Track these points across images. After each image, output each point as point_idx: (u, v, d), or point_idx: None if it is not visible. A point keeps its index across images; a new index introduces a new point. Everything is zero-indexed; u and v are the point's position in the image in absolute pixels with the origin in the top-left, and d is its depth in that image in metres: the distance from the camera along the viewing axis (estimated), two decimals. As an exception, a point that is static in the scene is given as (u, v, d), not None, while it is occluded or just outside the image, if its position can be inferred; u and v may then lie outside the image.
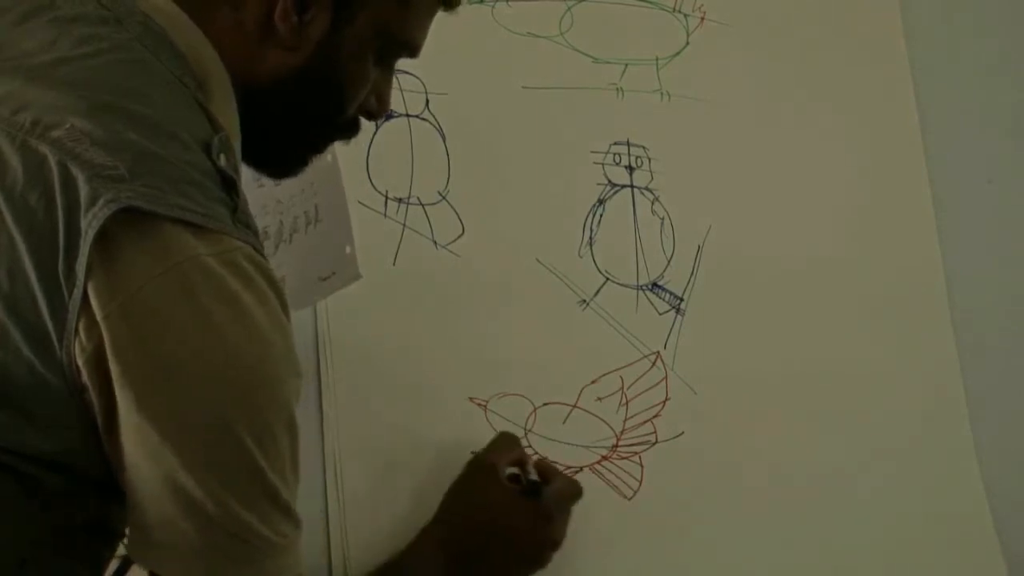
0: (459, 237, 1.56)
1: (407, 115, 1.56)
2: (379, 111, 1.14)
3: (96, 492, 0.92)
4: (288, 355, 0.93)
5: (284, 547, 0.93)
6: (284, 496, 0.93)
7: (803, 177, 1.74)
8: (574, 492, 1.41)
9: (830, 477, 1.66)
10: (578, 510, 1.47)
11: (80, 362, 0.85)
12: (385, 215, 1.54)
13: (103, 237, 0.84)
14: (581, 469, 1.56)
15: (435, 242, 1.55)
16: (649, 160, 1.67)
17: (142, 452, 0.87)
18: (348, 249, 1.36)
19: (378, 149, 1.54)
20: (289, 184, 1.29)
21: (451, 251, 1.56)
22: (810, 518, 1.64)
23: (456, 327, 1.54)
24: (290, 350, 0.93)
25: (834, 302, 1.71)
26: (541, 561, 1.36)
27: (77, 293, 0.84)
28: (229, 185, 0.92)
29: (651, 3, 1.71)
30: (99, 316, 0.85)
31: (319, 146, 1.13)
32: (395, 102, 1.55)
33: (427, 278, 1.54)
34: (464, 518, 1.35)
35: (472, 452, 1.48)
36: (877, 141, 1.78)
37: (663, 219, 1.66)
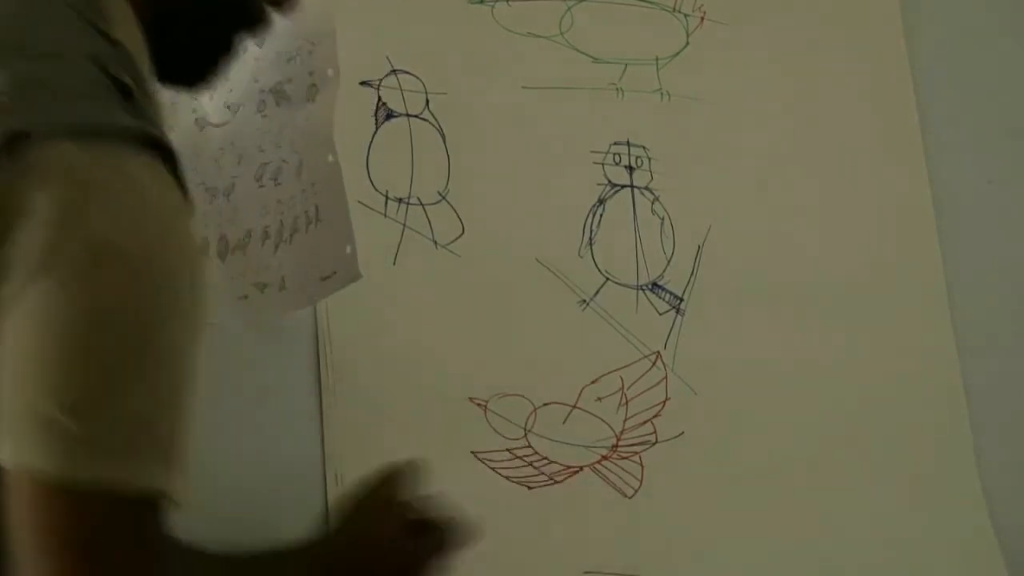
0: (459, 237, 1.56)
1: (407, 115, 1.57)
2: None
3: None
4: (189, 268, 0.89)
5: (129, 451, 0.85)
6: (155, 413, 0.86)
7: (803, 177, 1.74)
8: (455, 545, 1.28)
9: (829, 477, 1.66)
10: (578, 510, 1.48)
11: None
12: (385, 215, 1.54)
13: None
14: (581, 469, 1.56)
15: (435, 242, 1.56)
16: (649, 160, 1.67)
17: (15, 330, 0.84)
18: (348, 249, 1.36)
19: (378, 149, 1.55)
20: (289, 184, 1.30)
21: (451, 251, 1.56)
22: (809, 518, 1.64)
23: (456, 327, 1.54)
24: (192, 260, 0.89)
25: (834, 302, 1.71)
26: None
27: None
28: (127, 93, 0.90)
29: (651, 3, 1.71)
30: None
31: (230, 45, 1.10)
32: (395, 102, 1.56)
33: (427, 278, 1.54)
34: (350, 541, 1.24)
35: (472, 451, 1.48)
36: (877, 141, 1.78)
37: (663, 219, 1.66)
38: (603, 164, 1.65)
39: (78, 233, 0.84)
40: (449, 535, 1.25)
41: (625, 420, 1.59)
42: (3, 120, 0.85)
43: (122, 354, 0.84)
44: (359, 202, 1.50)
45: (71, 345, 0.83)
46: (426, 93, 1.58)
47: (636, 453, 1.58)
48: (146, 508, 0.85)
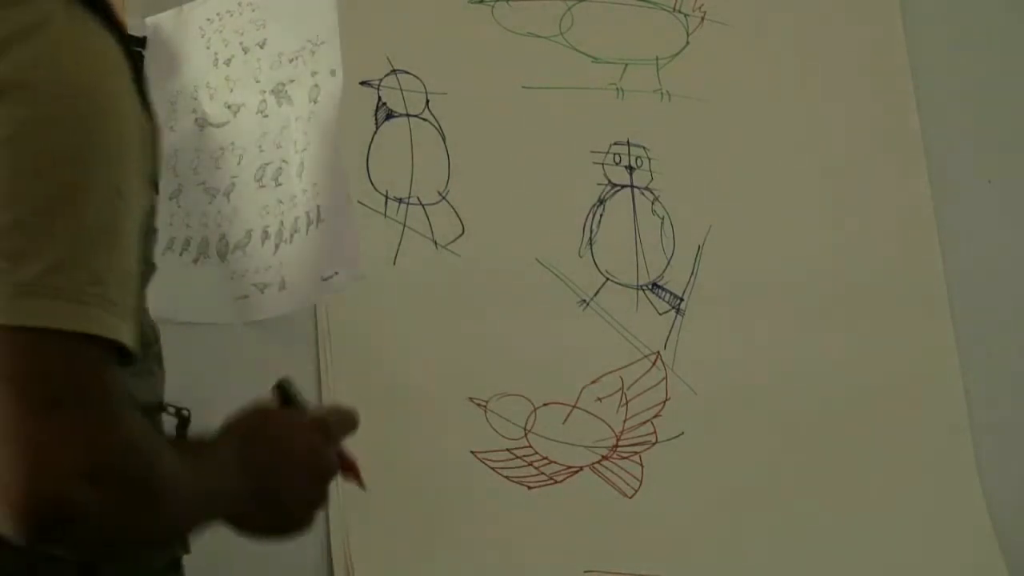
0: (459, 237, 1.56)
1: (407, 115, 1.57)
2: None
3: None
4: (122, 109, 0.87)
5: (75, 296, 0.82)
6: (85, 240, 0.83)
7: (803, 177, 1.74)
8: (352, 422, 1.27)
9: (829, 477, 1.66)
10: (578, 510, 1.48)
11: None
12: (385, 215, 1.54)
13: None
14: (581, 469, 1.56)
15: (435, 242, 1.55)
16: (649, 160, 1.67)
17: None
18: (349, 249, 1.36)
19: (378, 149, 1.55)
20: (290, 184, 1.30)
21: (451, 251, 1.56)
22: (808, 518, 1.64)
23: (456, 327, 1.54)
24: (123, 98, 0.87)
25: (833, 302, 1.71)
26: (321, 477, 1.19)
27: None
28: None
29: (651, 3, 1.71)
30: None
31: None
32: (395, 102, 1.56)
33: (427, 278, 1.54)
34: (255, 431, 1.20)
35: (471, 451, 1.48)
36: (877, 141, 1.78)
37: (663, 219, 1.66)
38: (603, 164, 1.65)
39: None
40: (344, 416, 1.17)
41: (625, 420, 1.59)
42: None
43: (56, 188, 0.82)
44: (359, 202, 1.50)
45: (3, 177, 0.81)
46: (426, 93, 1.58)
47: (636, 453, 1.58)
48: (95, 350, 0.82)
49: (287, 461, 1.04)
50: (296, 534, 1.05)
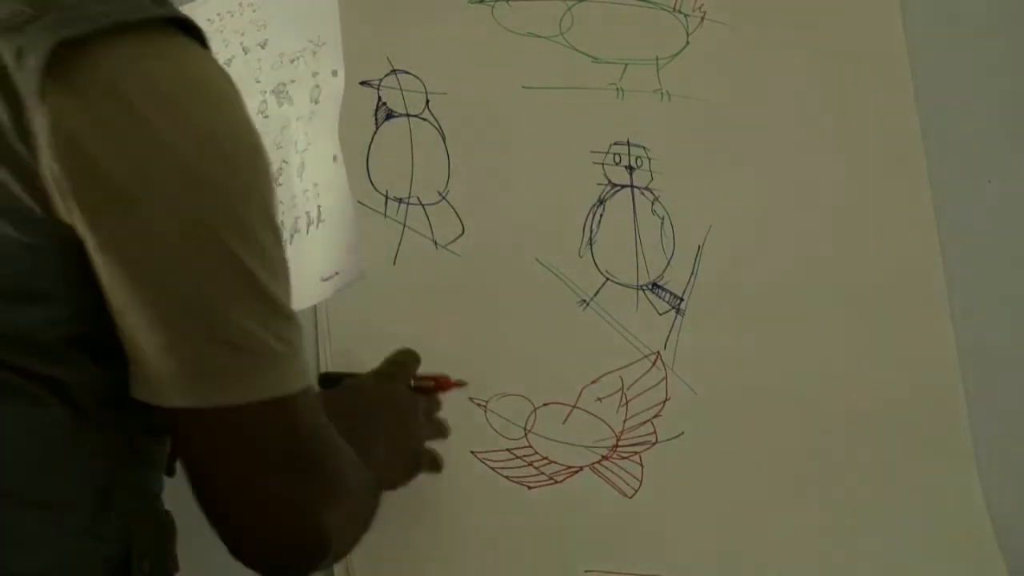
0: (459, 237, 1.56)
1: (407, 115, 1.56)
2: None
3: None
4: (259, 143, 0.89)
5: (289, 354, 0.89)
6: (280, 297, 0.88)
7: (803, 177, 1.74)
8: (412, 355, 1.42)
9: (829, 476, 1.66)
10: (578, 510, 1.48)
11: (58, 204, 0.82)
12: (385, 215, 1.54)
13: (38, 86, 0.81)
14: (581, 469, 1.56)
15: (435, 242, 1.55)
16: (649, 160, 1.67)
17: (119, 279, 0.83)
18: (350, 250, 1.36)
19: (378, 149, 1.54)
20: (291, 185, 1.29)
21: (451, 251, 1.56)
22: (809, 517, 1.64)
23: (456, 327, 1.54)
24: (258, 136, 0.89)
25: (834, 302, 1.71)
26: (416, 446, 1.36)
27: (38, 139, 0.81)
28: None
29: (651, 3, 1.71)
30: (52, 154, 0.81)
31: None
32: (395, 102, 1.56)
33: (427, 278, 1.54)
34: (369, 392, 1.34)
35: (471, 451, 1.48)
36: (877, 141, 1.78)
37: (663, 219, 1.66)
38: (603, 164, 1.65)
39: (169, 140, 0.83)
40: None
41: (625, 420, 1.59)
42: (31, 31, 0.82)
43: (261, 244, 0.86)
44: (359, 202, 1.50)
45: (208, 255, 0.84)
46: (426, 93, 1.58)
47: (636, 453, 1.58)
48: (301, 398, 0.89)
49: (391, 411, 1.17)
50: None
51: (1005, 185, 1.84)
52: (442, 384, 1.38)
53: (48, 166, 0.81)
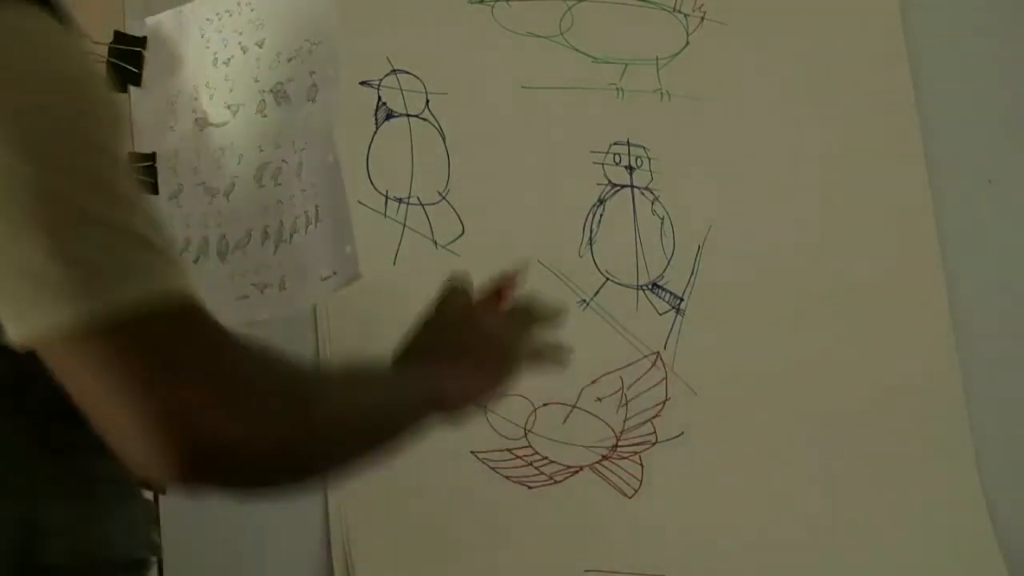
0: (459, 237, 1.56)
1: (407, 115, 1.57)
2: None
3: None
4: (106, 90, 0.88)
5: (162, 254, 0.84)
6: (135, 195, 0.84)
7: (803, 177, 1.74)
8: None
9: (829, 476, 1.66)
10: (578, 510, 1.48)
11: None
12: (385, 215, 1.54)
13: None
14: (581, 469, 1.56)
15: (435, 242, 1.56)
16: (649, 160, 1.67)
17: None
18: (348, 249, 1.35)
19: (378, 149, 1.55)
20: (289, 184, 1.29)
21: (451, 251, 1.56)
22: (809, 517, 1.64)
23: (456, 327, 1.54)
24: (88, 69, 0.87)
25: (834, 302, 1.71)
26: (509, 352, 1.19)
27: None
28: None
29: (651, 3, 1.71)
30: None
31: None
32: (395, 102, 1.56)
33: (427, 278, 1.54)
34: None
35: (472, 451, 1.48)
36: (877, 141, 1.78)
37: (663, 219, 1.66)
38: (603, 164, 1.65)
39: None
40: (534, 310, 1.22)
41: (625, 420, 1.59)
42: None
43: (76, 177, 0.82)
44: (359, 202, 1.50)
45: (24, 190, 0.81)
46: (426, 93, 1.58)
47: (636, 453, 1.58)
48: (178, 308, 0.83)
49: (455, 329, 1.16)
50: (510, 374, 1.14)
51: (1005, 185, 1.84)
52: (504, 291, 1.25)
53: None
